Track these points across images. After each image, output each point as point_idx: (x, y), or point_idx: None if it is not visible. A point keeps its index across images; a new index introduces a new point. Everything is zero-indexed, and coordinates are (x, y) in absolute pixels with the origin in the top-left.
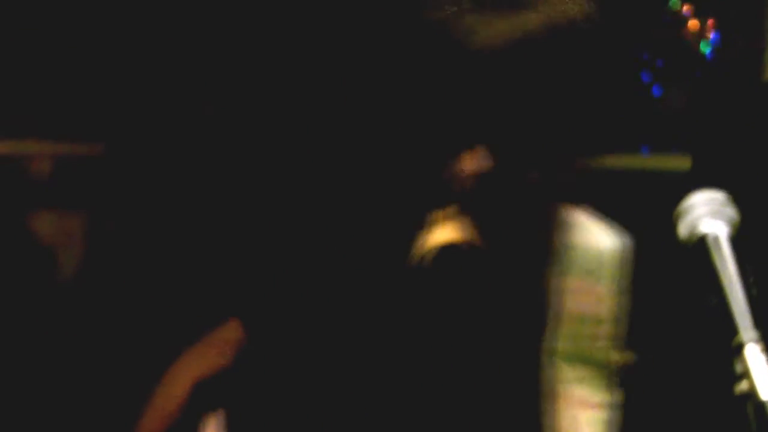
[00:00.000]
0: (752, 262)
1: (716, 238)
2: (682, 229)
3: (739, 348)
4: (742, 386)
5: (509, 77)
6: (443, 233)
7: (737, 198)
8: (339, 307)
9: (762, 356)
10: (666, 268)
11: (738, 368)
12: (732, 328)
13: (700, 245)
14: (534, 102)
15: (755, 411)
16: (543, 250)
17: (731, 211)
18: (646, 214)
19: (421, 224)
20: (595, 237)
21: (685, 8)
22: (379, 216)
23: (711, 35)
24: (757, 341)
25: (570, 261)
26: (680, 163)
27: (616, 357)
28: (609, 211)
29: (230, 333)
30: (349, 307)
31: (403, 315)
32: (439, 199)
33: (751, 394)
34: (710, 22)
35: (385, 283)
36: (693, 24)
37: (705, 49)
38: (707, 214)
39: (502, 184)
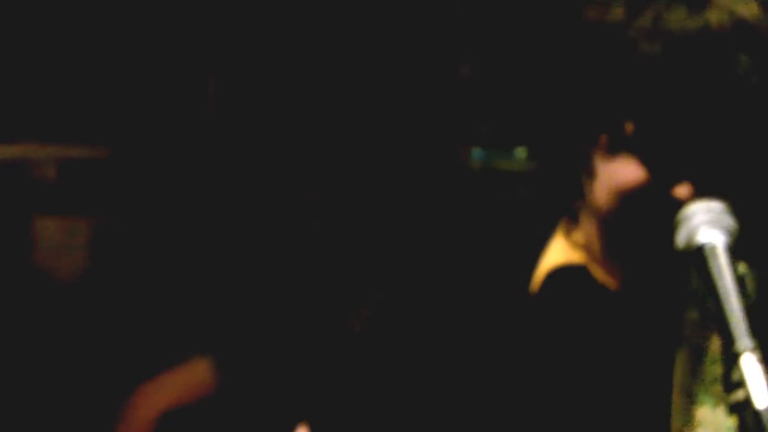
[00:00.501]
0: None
1: (713, 248)
2: (680, 238)
3: (736, 357)
4: (739, 395)
5: (671, 79)
6: (560, 254)
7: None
8: (449, 331)
9: (758, 365)
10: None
11: (734, 377)
12: (729, 337)
13: (698, 254)
14: (703, 110)
15: (752, 420)
16: (684, 282)
17: (729, 220)
18: None
19: (543, 241)
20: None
21: None
22: (496, 231)
23: None
24: (753, 350)
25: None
26: None
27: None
28: None
29: (199, 371)
30: (457, 332)
31: (521, 344)
32: (563, 211)
33: (748, 403)
34: None
35: (502, 309)
36: None
37: None
38: (705, 223)
39: (652, 202)
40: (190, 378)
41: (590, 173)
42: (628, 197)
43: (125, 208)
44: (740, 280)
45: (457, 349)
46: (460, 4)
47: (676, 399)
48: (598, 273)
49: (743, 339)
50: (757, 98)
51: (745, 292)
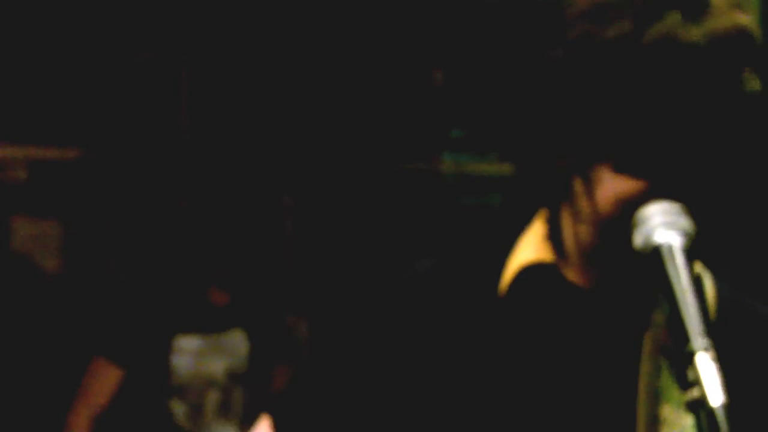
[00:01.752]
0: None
1: (670, 249)
2: (638, 239)
3: (691, 356)
4: (694, 393)
5: (661, 91)
6: (530, 251)
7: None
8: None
9: (712, 364)
10: None
11: (690, 376)
12: (684, 336)
13: (655, 255)
14: (696, 123)
15: (707, 418)
16: (651, 283)
17: (686, 222)
18: None
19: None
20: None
21: None
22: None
23: None
24: (707, 349)
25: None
26: None
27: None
28: None
29: (107, 373)
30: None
31: (490, 346)
32: (534, 211)
33: (703, 401)
34: None
35: (471, 312)
36: None
37: None
38: (662, 224)
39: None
40: (99, 381)
41: (590, 180)
42: (630, 205)
43: (96, 209)
44: (696, 280)
45: (425, 357)
46: (434, 13)
47: (642, 399)
48: (569, 272)
49: (698, 338)
50: (748, 107)
51: (701, 292)
